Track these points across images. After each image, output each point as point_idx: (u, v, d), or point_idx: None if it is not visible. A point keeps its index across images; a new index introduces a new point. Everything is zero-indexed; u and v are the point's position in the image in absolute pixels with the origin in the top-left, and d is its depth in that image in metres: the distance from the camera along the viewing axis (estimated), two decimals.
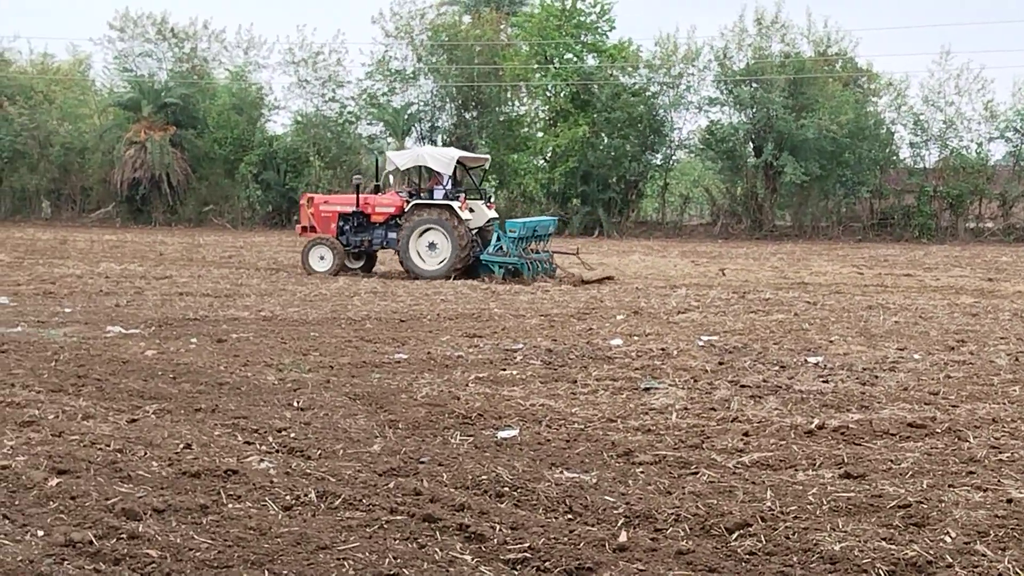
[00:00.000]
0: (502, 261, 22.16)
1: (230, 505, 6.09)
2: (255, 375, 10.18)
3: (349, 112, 51.00)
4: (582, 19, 48.19)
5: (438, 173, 23.41)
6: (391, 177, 24.65)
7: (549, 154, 48.62)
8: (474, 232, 22.91)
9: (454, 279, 21.78)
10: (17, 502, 6.01)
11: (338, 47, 50.73)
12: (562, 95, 47.75)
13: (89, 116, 51.73)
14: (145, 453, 7.08)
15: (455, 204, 22.41)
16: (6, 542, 5.35)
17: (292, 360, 11.10)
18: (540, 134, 49.79)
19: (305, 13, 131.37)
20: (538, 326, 14.50)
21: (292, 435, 7.75)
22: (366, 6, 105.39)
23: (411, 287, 20.07)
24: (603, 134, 47.52)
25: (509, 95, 50.67)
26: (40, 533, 5.53)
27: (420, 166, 23.96)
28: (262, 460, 7.04)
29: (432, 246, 22.46)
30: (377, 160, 26.28)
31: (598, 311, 16.45)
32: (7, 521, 5.69)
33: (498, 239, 22.32)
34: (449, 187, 23.18)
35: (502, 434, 7.97)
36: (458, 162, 23.71)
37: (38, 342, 11.87)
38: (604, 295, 19.09)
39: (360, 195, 23.79)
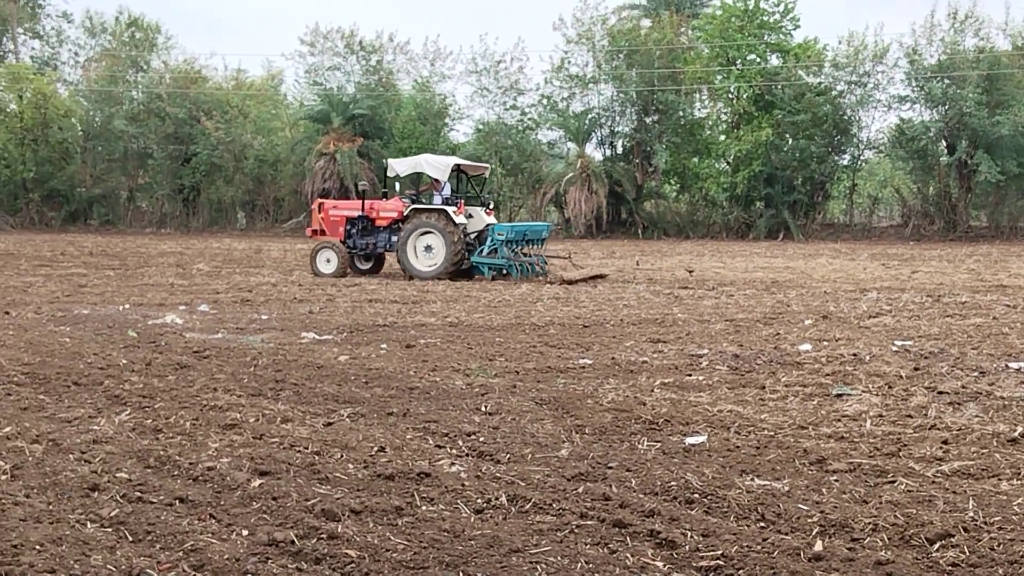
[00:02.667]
0: (491, 263, 23.50)
1: (424, 507, 6.20)
2: (443, 380, 10.33)
3: (529, 119, 51.42)
4: (765, 19, 47.44)
5: (436, 179, 24.54)
6: (397, 183, 25.33)
7: (732, 157, 47.94)
8: (473, 236, 24.11)
9: (449, 279, 23.06)
10: (223, 502, 6.24)
11: (519, 55, 51.33)
12: (745, 97, 47.12)
13: (281, 129, 53.58)
14: (341, 455, 7.27)
15: (450, 209, 23.57)
16: (213, 541, 5.56)
17: (479, 365, 11.22)
18: (722, 137, 49.21)
19: (489, 23, 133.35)
20: (723, 331, 14.31)
21: (481, 439, 7.84)
22: (548, 13, 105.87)
23: (593, 293, 20.08)
24: (787, 135, 46.69)
25: (690, 98, 50.19)
26: (245, 532, 5.73)
27: (419, 172, 25.44)
28: (453, 463, 7.14)
29: (428, 248, 23.69)
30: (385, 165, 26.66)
31: (785, 316, 16.13)
32: (214, 520, 5.92)
33: (491, 242, 23.42)
34: (448, 193, 24.60)
35: (690, 440, 7.88)
36: (460, 170, 25.40)
37: (238, 348, 12.33)
38: (791, 299, 18.72)
39: (365, 200, 25.17)
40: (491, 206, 25.77)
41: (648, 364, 11.39)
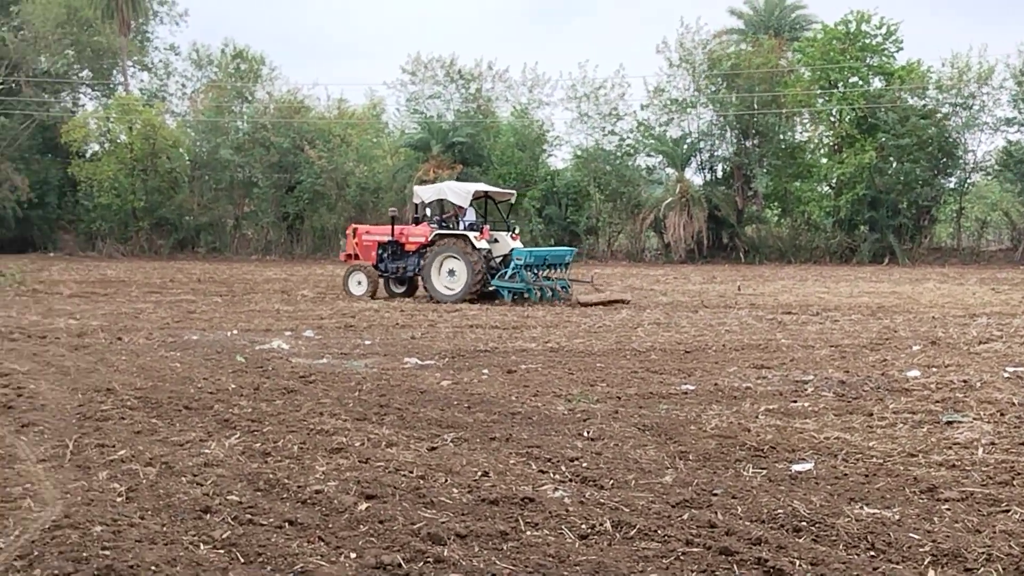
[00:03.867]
0: (510, 286, 24.02)
1: (528, 532, 6.21)
2: (545, 405, 10.35)
3: (628, 145, 51.34)
4: (867, 41, 46.77)
5: (458, 205, 25.14)
6: (428, 210, 25.91)
7: (834, 181, 47.27)
8: (499, 260, 24.82)
9: (470, 302, 23.69)
10: (330, 525, 6.33)
11: (620, 81, 51.18)
12: (847, 120, 46.44)
13: (382, 157, 54.18)
14: (446, 480, 7.33)
15: (471, 234, 24.29)
16: (322, 563, 5.64)
17: (580, 391, 11.21)
18: (824, 160, 48.58)
19: (588, 49, 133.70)
20: (828, 357, 14.10)
21: (584, 464, 7.83)
22: (649, 40, 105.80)
23: (695, 319, 19.93)
24: (891, 159, 45.92)
25: (790, 121, 49.68)
26: (352, 555, 5.80)
27: (441, 199, 25.70)
28: (556, 489, 7.14)
29: (451, 272, 24.35)
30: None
31: (892, 341, 15.83)
32: (322, 543, 6.00)
33: (512, 267, 23.98)
34: (473, 219, 25.54)
35: (796, 467, 7.78)
36: (487, 196, 26.34)
37: (342, 373, 12.50)
38: (898, 325, 18.37)
39: (395, 226, 25.97)
40: (516, 231, 26.27)
41: (752, 390, 11.28)
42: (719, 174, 50.91)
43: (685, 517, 6.46)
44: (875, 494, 7.05)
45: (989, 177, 49.20)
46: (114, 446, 8.25)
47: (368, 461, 7.87)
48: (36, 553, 5.67)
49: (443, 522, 6.33)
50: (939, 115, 45.81)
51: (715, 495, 6.97)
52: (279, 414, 9.66)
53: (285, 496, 6.90)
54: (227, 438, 8.60)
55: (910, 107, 45.55)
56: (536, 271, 24.39)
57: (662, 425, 9.27)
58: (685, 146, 49.76)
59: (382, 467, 7.68)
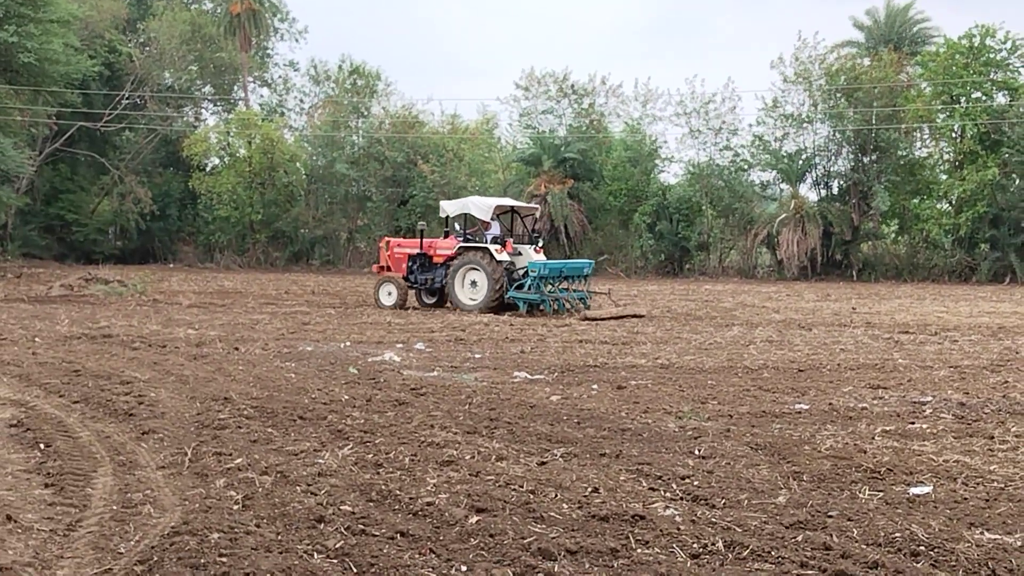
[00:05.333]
0: (525, 297, 24.68)
1: (639, 550, 6.18)
2: (655, 422, 10.29)
3: (742, 160, 50.80)
4: (992, 56, 45.54)
5: (481, 220, 25.94)
6: (456, 224, 26.80)
7: (955, 198, 46.12)
8: (521, 272, 25.29)
9: (493, 313, 24.38)
10: (442, 537, 6.37)
11: (729, 95, 50.66)
12: (969, 136, 45.29)
13: (495, 171, 54.42)
14: (555, 495, 7.32)
15: (493, 247, 25.08)
16: (433, 575, 5.69)
17: (691, 408, 11.13)
18: (944, 177, 47.42)
19: (699, 63, 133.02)
20: (947, 378, 13.77)
21: (695, 483, 7.76)
22: (761, 54, 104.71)
23: (808, 337, 19.63)
24: (1015, 175, 44.65)
25: (910, 137, 48.61)
26: (463, 568, 5.83)
27: (465, 213, 26.48)
28: (667, 507, 7.09)
29: (474, 284, 25.30)
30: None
31: (1014, 363, 15.40)
32: (434, 555, 6.04)
33: (533, 279, 24.55)
34: (497, 232, 26.33)
35: (914, 490, 7.61)
36: (512, 210, 27.47)
37: (452, 386, 12.59)
38: (1020, 346, 17.85)
39: (424, 239, 26.84)
40: (540, 244, 26.81)
41: (868, 411, 11.07)
42: (835, 190, 50.04)
43: (799, 539, 6.36)
44: (996, 519, 6.86)
45: None
46: (231, 454, 8.43)
47: (478, 474, 7.91)
48: (155, 559, 5.82)
49: (553, 537, 6.33)
50: None
51: (830, 517, 6.86)
52: (391, 426, 9.77)
53: (397, 507, 6.97)
54: (340, 448, 8.72)
55: None
56: (552, 283, 25.07)
57: (775, 445, 9.15)
58: (800, 161, 49.07)
59: (492, 481, 7.72)
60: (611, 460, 8.53)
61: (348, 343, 17.57)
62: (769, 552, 6.13)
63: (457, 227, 26.79)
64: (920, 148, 49.77)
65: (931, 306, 29.08)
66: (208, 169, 55.49)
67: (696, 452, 8.85)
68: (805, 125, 49.52)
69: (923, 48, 51.67)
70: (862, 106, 47.78)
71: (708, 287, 39.78)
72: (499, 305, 25.05)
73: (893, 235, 50.80)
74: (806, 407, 11.27)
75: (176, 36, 55.65)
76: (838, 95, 48.51)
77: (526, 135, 54.44)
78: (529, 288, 24.67)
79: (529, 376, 13.69)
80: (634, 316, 24.04)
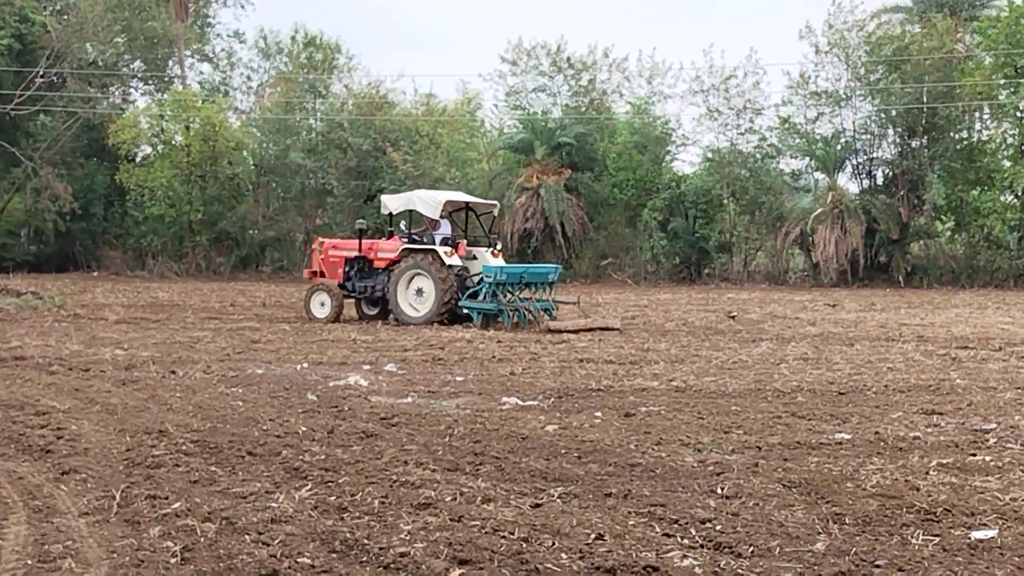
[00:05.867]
0: (479, 307, 24.92)
1: None
2: (670, 455, 10.27)
3: (769, 144, 50.82)
4: None
5: (429, 217, 26.33)
6: (401, 222, 27.04)
7: (1021, 189, 46.21)
8: (476, 279, 25.74)
9: (441, 325, 24.67)
10: None
11: (753, 68, 50.68)
12: None
13: (478, 161, 54.53)
14: (553, 543, 7.30)
15: (442, 249, 25.21)
16: None
17: (712, 439, 11.12)
18: (1007, 164, 47.46)
19: (714, 34, 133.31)
20: (1014, 401, 13.79)
21: (718, 527, 7.74)
22: (786, 21, 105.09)
23: (850, 353, 19.66)
24: None
25: (968, 117, 48.66)
26: None
27: (410, 210, 26.82)
28: (685, 556, 7.08)
29: (419, 292, 25.48)
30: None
31: None
32: None
33: (488, 286, 24.87)
34: (449, 232, 26.62)
35: (976, 534, 7.60)
36: (467, 207, 27.93)
37: (430, 414, 12.57)
38: None
39: (363, 240, 27.20)
40: (499, 247, 27.17)
41: (921, 440, 11.07)
42: (879, 180, 50.18)
43: None
44: None
45: None
46: (167, 497, 8.39)
47: (461, 519, 7.88)
48: None
49: None
50: None
51: (877, 567, 6.85)
52: (357, 462, 9.75)
53: (365, 559, 6.95)
54: (297, 490, 8.69)
55: None
56: (512, 291, 25.54)
57: (812, 481, 9.14)
58: (838, 147, 49.19)
59: (477, 527, 7.69)
60: (618, 501, 8.51)
61: (306, 364, 17.53)
62: None
63: (402, 226, 26.94)
64: (980, 130, 49.88)
65: (994, 316, 29.16)
66: (139, 160, 55.55)
67: (719, 491, 8.82)
68: (843, 104, 49.61)
69: (983, 13, 51.75)
70: (911, 81, 47.87)
71: (731, 295, 39.85)
72: (450, 317, 25.28)
73: (948, 233, 50.92)
74: (848, 437, 11.26)
75: (100, 2, 55.54)
76: (882, 68, 48.61)
77: (514, 117, 54.53)
78: (484, 297, 24.90)
79: (520, 402, 13.67)
80: (606, 329, 24.31)
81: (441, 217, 26.46)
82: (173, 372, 16.20)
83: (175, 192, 52.67)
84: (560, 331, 23.57)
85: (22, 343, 20.10)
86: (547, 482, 9.13)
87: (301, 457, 9.94)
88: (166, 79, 60.42)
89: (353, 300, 27.49)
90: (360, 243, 27.27)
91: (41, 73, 54.00)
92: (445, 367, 17.46)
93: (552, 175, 49.10)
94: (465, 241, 26.87)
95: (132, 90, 62.94)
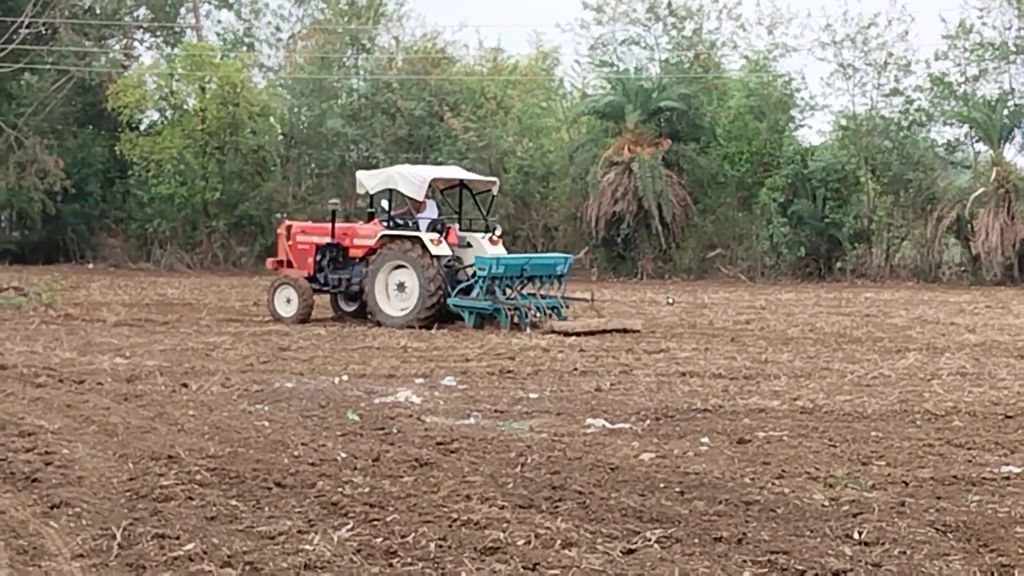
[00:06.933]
0: (472, 306, 25.62)
1: None
2: (795, 491, 10.23)
3: (917, 110, 50.33)
4: None
5: (411, 198, 27.05)
6: (384, 202, 27.52)
7: None
8: (470, 270, 26.37)
9: (427, 327, 25.28)
10: None
11: (899, 15, 50.22)
12: None
13: (556, 129, 54.36)
14: None
15: (426, 236, 25.87)
16: None
17: (847, 472, 11.06)
18: None
19: None
20: None
21: None
22: None
23: (1019, 367, 19.46)
24: None
25: None
26: None
27: (391, 189, 27.56)
28: None
29: (401, 287, 26.13)
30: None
31: None
32: None
33: (481, 280, 25.57)
34: (434, 215, 27.48)
35: None
36: (461, 184, 28.56)
37: (497, 439, 12.59)
38: None
39: (336, 224, 28.03)
40: (498, 232, 27.96)
41: None
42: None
43: None
44: None
45: None
46: (178, 537, 8.46)
47: (536, 567, 7.89)
48: None
49: None
50: None
51: None
52: (408, 496, 9.79)
53: None
54: (336, 529, 8.74)
55: None
56: (512, 286, 26.14)
57: (973, 524, 9.07)
58: (1005, 112, 48.64)
59: None
60: (730, 547, 8.49)
61: (345, 377, 17.64)
62: None
63: (385, 206, 27.49)
64: None
65: None
66: (144, 128, 55.82)
67: (856, 536, 8.78)
68: (1012, 58, 49.09)
69: None
70: None
71: (870, 295, 39.60)
72: (438, 316, 25.96)
73: None
74: (1017, 470, 11.17)
75: None
76: None
77: (601, 76, 54.33)
78: (478, 293, 25.43)
79: (609, 425, 13.68)
80: (624, 331, 24.65)
81: (428, 197, 26.98)
82: (185, 385, 16.35)
83: (187, 167, 52.90)
84: (567, 333, 23.98)
85: (3, 349, 20.37)
86: (642, 523, 9.12)
87: (340, 490, 9.99)
88: (177, 30, 60.75)
89: (329, 295, 28.14)
90: (333, 228, 27.75)
91: (27, 23, 54.48)
92: (516, 381, 17.49)
93: (648, 147, 48.89)
94: (457, 226, 27.45)
95: (136, 44, 63.36)
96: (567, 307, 26.78)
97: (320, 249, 27.70)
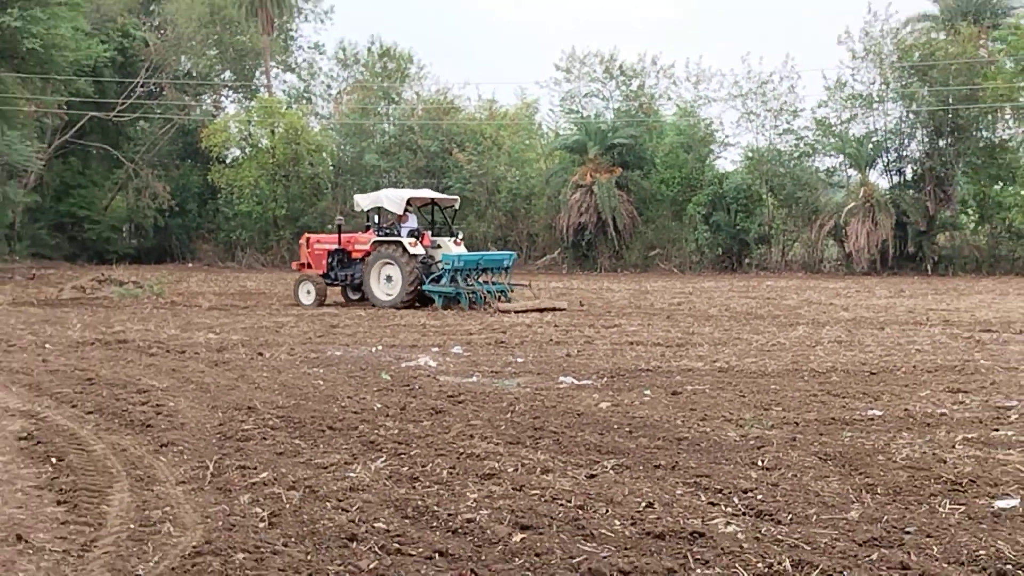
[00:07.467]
0: (440, 291, 26.03)
1: (698, 570, 6.14)
2: (714, 430, 10.22)
3: (805, 144, 50.35)
4: None
5: (394, 213, 27.59)
6: (375, 216, 28.04)
7: None
8: (440, 265, 26.65)
9: (408, 308, 25.84)
10: (483, 557, 6.36)
11: (789, 73, 50.30)
12: None
13: (535, 160, 54.29)
14: (606, 511, 7.29)
15: (407, 240, 26.28)
16: None
17: (753, 415, 11.05)
18: None
19: (755, 41, 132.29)
20: None
21: (759, 497, 7.70)
22: (822, 28, 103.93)
23: (881, 337, 19.45)
24: None
25: (991, 118, 47.96)
26: None
27: (379, 207, 27.87)
28: (728, 523, 7.04)
29: (389, 279, 26.53)
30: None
31: None
32: None
33: (447, 272, 26.02)
34: (414, 225, 27.64)
35: (1000, 504, 7.50)
36: (432, 202, 28.93)
37: (493, 392, 12.57)
38: None
39: (341, 234, 28.47)
40: (459, 237, 28.53)
41: (947, 417, 10.94)
42: (908, 176, 49.48)
43: (874, 557, 6.30)
44: None
45: None
46: (256, 468, 8.47)
47: (522, 488, 7.89)
48: None
49: (604, 557, 6.30)
50: None
51: (907, 533, 6.78)
52: (427, 436, 9.78)
53: (434, 524, 6.97)
54: (373, 461, 8.74)
55: None
56: (470, 276, 26.42)
57: (846, 454, 9.07)
58: (870, 145, 48.59)
59: (537, 495, 7.70)
60: (667, 472, 8.48)
61: (380, 347, 17.61)
62: (841, 572, 6.08)
63: (376, 219, 27.99)
64: (1002, 130, 49.13)
65: (1015, 302, 28.74)
66: (228, 161, 55.79)
67: (759, 463, 8.78)
68: (875, 106, 49.07)
69: (1004, 21, 50.96)
70: (938, 85, 47.27)
71: (770, 283, 39.56)
72: (417, 299, 26.37)
73: (972, 225, 50.16)
74: (879, 413, 11.15)
75: (194, 19, 56.02)
76: (911, 73, 48.03)
77: (569, 120, 54.26)
78: (445, 281, 25.91)
79: (576, 381, 13.65)
80: (554, 309, 25.21)
81: (407, 212, 27.57)
82: (260, 354, 16.34)
83: (261, 190, 52.93)
84: (508, 311, 24.50)
85: (124, 328, 20.36)
86: (601, 454, 9.11)
87: (376, 431, 9.98)
88: (253, 88, 60.80)
89: (339, 288, 28.52)
90: (339, 237, 28.35)
91: (141, 83, 54.53)
92: (507, 349, 17.45)
93: (604, 173, 48.87)
94: (430, 232, 27.98)
95: (223, 98, 63.47)
96: (512, 291, 27.24)
97: (331, 253, 28.27)
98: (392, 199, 27.52)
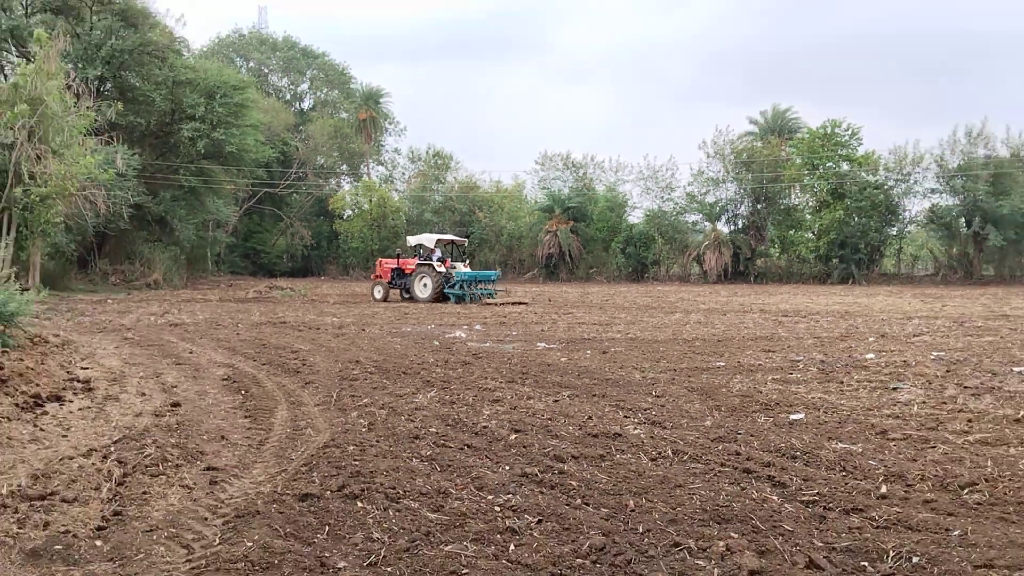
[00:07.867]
0: (455, 293, 25.91)
1: (617, 456, 6.13)
2: (627, 374, 10.20)
3: (680, 207, 50.31)
4: (839, 139, 45.12)
5: (430, 248, 27.43)
6: (419, 249, 28.13)
7: (816, 229, 45.59)
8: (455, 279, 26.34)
9: (436, 301, 25.63)
10: (492, 448, 6.35)
11: (671, 166, 50.31)
12: (824, 190, 44.84)
13: (523, 217, 54.14)
14: (564, 421, 7.28)
15: (436, 264, 26.58)
16: (488, 472, 5.67)
17: (649, 365, 11.03)
18: (809, 216, 46.86)
19: (650, 144, 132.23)
20: (812, 345, 13.57)
21: (653, 413, 7.69)
22: (692, 139, 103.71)
23: (724, 319, 19.40)
24: (854, 215, 44.12)
25: (788, 191, 48.01)
26: (507, 468, 5.81)
27: (420, 244, 27.75)
28: (635, 428, 7.04)
29: (425, 285, 26.48)
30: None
31: (855, 335, 15.15)
32: (488, 459, 6.03)
33: (458, 282, 26.00)
34: (439, 255, 27.49)
35: (793, 417, 7.51)
36: (452, 242, 29.02)
37: (498, 353, 12.55)
38: (858, 324, 17.57)
39: (400, 259, 28.39)
40: (467, 262, 29.16)
41: (762, 366, 10.94)
42: (740, 225, 49.47)
43: (719, 448, 6.30)
44: (845, 435, 6.76)
45: (919, 227, 46.84)
46: (360, 396, 8.45)
47: (515, 408, 7.88)
48: (314, 462, 5.85)
49: (563, 448, 6.30)
50: (886, 186, 43.87)
51: (739, 434, 6.79)
52: (460, 378, 9.76)
53: (464, 429, 6.97)
54: (428, 392, 8.72)
55: (866, 181, 43.75)
56: (472, 284, 26.15)
57: (704, 388, 9.06)
58: (718, 208, 48.61)
59: (524, 412, 7.69)
60: (599, 399, 8.47)
61: (432, 326, 17.56)
62: (700, 457, 6.08)
63: (420, 251, 28.07)
64: (794, 199, 49.16)
65: (801, 299, 28.72)
66: (344, 217, 55.65)
67: (653, 394, 8.77)
68: (721, 184, 49.09)
69: (795, 135, 51.04)
70: (756, 172, 47.33)
71: (660, 288, 39.48)
72: (440, 297, 26.11)
73: (777, 254, 50.18)
74: (723, 364, 11.14)
75: (325, 134, 56.09)
76: (741, 165, 48.09)
77: (543, 193, 54.19)
78: (457, 287, 26.03)
79: (547, 346, 13.63)
80: (520, 303, 25.09)
81: (436, 247, 27.70)
82: (363, 330, 16.30)
83: (364, 234, 52.78)
84: (493, 304, 24.35)
85: (284, 315, 20.30)
86: (561, 388, 9.09)
87: (430, 375, 9.95)
88: (359, 175, 60.72)
89: (397, 290, 28.20)
90: (399, 260, 28.41)
91: (294, 172, 54.39)
92: (506, 327, 17.40)
93: (563, 224, 48.80)
94: (449, 259, 28.13)
95: (342, 181, 63.19)
96: (496, 294, 27.10)
97: (393, 269, 28.24)
98: (428, 240, 27.67)
